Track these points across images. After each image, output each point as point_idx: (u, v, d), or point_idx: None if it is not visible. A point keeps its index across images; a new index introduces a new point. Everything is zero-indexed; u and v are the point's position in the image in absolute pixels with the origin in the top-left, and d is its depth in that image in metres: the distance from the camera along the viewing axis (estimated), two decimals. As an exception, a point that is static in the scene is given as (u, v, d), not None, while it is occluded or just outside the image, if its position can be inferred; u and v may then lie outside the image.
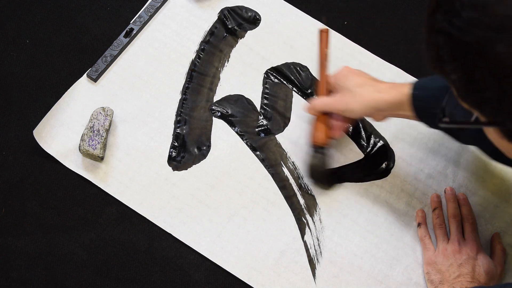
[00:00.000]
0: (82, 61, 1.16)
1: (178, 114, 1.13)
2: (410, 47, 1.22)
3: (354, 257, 1.06)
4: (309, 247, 1.06)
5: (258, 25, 1.21)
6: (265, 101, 1.15)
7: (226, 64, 1.17)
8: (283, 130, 1.13)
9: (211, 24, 1.20)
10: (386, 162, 1.12)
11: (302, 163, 1.11)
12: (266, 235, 1.06)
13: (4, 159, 1.08)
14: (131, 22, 1.18)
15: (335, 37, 1.21)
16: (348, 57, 1.19)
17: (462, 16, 0.60)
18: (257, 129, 1.13)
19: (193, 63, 1.17)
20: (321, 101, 1.06)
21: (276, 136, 1.13)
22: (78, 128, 1.10)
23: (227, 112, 1.14)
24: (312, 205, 1.08)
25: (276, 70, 1.17)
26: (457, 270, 1.00)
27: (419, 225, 1.07)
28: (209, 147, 1.11)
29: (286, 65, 1.18)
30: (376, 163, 1.12)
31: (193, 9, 1.21)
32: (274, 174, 1.10)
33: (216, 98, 1.15)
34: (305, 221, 1.07)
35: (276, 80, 1.17)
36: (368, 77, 1.02)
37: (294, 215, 1.08)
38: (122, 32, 1.17)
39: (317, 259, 1.05)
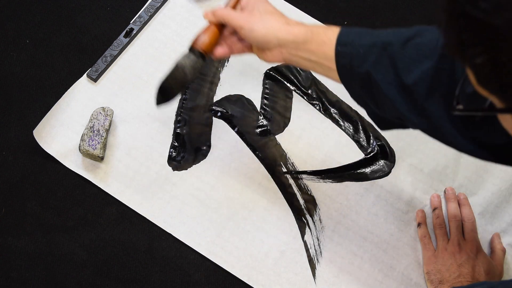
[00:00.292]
0: (82, 61, 1.16)
1: (178, 114, 1.13)
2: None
3: (354, 257, 1.06)
4: (309, 247, 1.06)
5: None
6: (265, 101, 1.15)
7: (226, 64, 1.17)
8: (283, 130, 1.13)
9: (211, 24, 1.20)
10: (386, 162, 1.12)
11: (302, 163, 1.11)
12: (266, 235, 1.06)
13: (4, 159, 1.08)
14: (131, 22, 1.18)
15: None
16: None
17: None
18: (257, 129, 1.13)
19: (193, 63, 1.17)
20: (225, 10, 0.92)
21: (276, 136, 1.13)
22: (78, 128, 1.10)
23: (227, 112, 1.14)
24: (312, 205, 1.09)
25: (276, 70, 1.17)
26: (457, 270, 1.00)
27: (419, 225, 1.08)
28: (209, 147, 1.11)
29: (286, 65, 1.18)
30: (376, 163, 1.12)
31: (193, 9, 1.21)
32: (274, 174, 1.10)
33: (216, 98, 1.15)
34: (305, 221, 1.07)
35: (276, 80, 1.17)
36: (283, 14, 0.91)
37: (294, 215, 1.08)
38: (122, 32, 1.17)
39: (317, 259, 1.05)
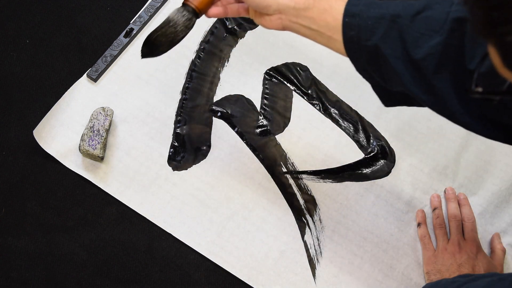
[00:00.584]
0: (82, 61, 1.16)
1: (178, 114, 1.13)
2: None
3: (354, 257, 1.06)
4: (309, 247, 1.06)
5: (258, 25, 1.21)
6: (265, 101, 1.15)
7: (226, 64, 1.17)
8: (283, 130, 1.13)
9: (211, 24, 1.20)
10: (386, 162, 1.12)
11: (302, 163, 1.11)
12: (266, 235, 1.06)
13: (4, 159, 1.08)
14: (131, 22, 1.18)
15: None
16: (348, 57, 1.19)
17: None
18: (257, 129, 1.13)
19: (193, 63, 1.17)
20: None
21: (276, 136, 1.13)
22: (78, 128, 1.10)
23: (227, 112, 1.14)
24: (312, 205, 1.08)
25: (276, 70, 1.18)
26: (457, 270, 1.00)
27: (419, 225, 1.08)
28: (209, 147, 1.11)
29: (286, 65, 1.18)
30: (376, 163, 1.12)
31: (193, 9, 1.21)
32: (274, 174, 1.10)
33: (216, 98, 1.15)
34: (305, 221, 1.07)
35: (276, 80, 1.17)
36: None
37: (294, 215, 1.08)
38: (122, 32, 1.17)
39: (317, 259, 1.05)
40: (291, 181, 1.10)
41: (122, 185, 1.07)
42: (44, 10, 1.20)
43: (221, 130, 1.13)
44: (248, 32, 1.20)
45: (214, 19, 1.19)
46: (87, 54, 1.16)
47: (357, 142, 1.14)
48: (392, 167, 1.12)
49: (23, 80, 1.14)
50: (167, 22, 0.88)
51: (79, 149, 1.06)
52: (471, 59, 0.74)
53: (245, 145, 1.12)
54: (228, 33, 1.19)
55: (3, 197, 1.06)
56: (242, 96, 1.15)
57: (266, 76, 1.17)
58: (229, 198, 1.08)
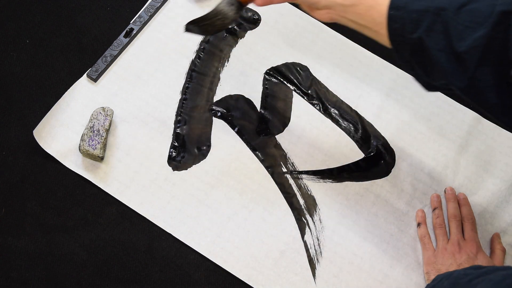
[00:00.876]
0: (82, 61, 1.16)
1: (178, 114, 1.13)
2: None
3: (354, 257, 1.06)
4: (309, 247, 1.06)
5: (258, 25, 1.21)
6: (265, 101, 1.15)
7: (226, 64, 1.17)
8: (283, 130, 1.13)
9: (211, 24, 1.20)
10: (386, 162, 1.12)
11: (302, 163, 1.11)
12: (266, 235, 1.06)
13: (4, 159, 1.08)
14: (131, 22, 1.18)
15: (335, 37, 1.21)
16: (348, 57, 1.19)
17: None
18: (257, 129, 1.13)
19: (193, 63, 1.17)
20: None
21: (276, 136, 1.13)
22: (78, 128, 1.10)
23: (227, 112, 1.14)
24: (312, 205, 1.08)
25: (276, 70, 1.18)
26: (456, 270, 1.00)
27: (419, 225, 1.08)
28: (209, 147, 1.11)
29: (286, 65, 1.18)
30: (376, 163, 1.12)
31: (193, 9, 1.21)
32: (274, 174, 1.10)
33: (216, 98, 1.15)
34: (305, 221, 1.07)
35: (276, 80, 1.17)
36: None
37: (294, 215, 1.08)
38: (122, 32, 1.17)
39: (317, 259, 1.05)
40: (291, 181, 1.10)
41: (122, 185, 1.07)
42: (44, 10, 1.20)
43: (221, 130, 1.13)
44: (248, 32, 1.20)
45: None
46: (87, 54, 1.16)
47: (357, 142, 1.14)
48: (392, 167, 1.12)
49: (23, 80, 1.14)
50: (215, 14, 0.91)
51: (79, 149, 1.06)
52: None
53: (245, 145, 1.12)
54: (228, 33, 1.19)
55: (3, 197, 1.06)
56: (242, 96, 1.15)
57: (266, 76, 1.17)
58: (229, 198, 1.08)
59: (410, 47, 0.83)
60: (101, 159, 1.07)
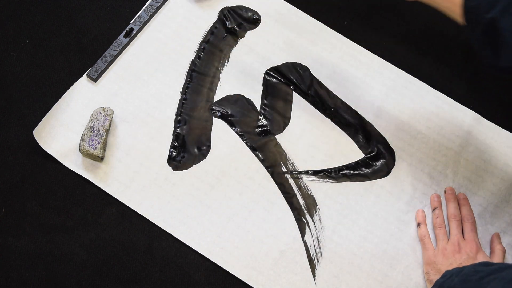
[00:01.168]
0: (82, 61, 1.16)
1: (178, 114, 1.13)
2: (410, 47, 1.22)
3: (354, 257, 1.06)
4: (309, 247, 1.06)
5: (258, 25, 1.21)
6: (265, 101, 1.15)
7: (226, 64, 1.17)
8: (283, 130, 1.13)
9: (211, 24, 1.20)
10: (386, 162, 1.12)
11: (302, 163, 1.11)
12: (266, 235, 1.06)
13: (4, 159, 1.08)
14: (131, 22, 1.18)
15: (335, 37, 1.21)
16: (348, 57, 1.19)
17: None
18: (257, 129, 1.13)
19: (193, 63, 1.17)
20: None
21: (276, 136, 1.13)
22: (78, 128, 1.10)
23: (227, 112, 1.14)
24: (312, 205, 1.08)
25: (276, 70, 1.18)
26: (456, 270, 1.00)
27: (419, 225, 1.08)
28: (209, 147, 1.11)
29: (286, 65, 1.18)
30: (376, 163, 1.12)
31: (193, 9, 1.21)
32: (274, 174, 1.10)
33: (216, 98, 1.15)
34: (305, 221, 1.07)
35: (276, 80, 1.17)
36: None
37: (294, 215, 1.08)
38: (122, 32, 1.17)
39: (317, 259, 1.05)
40: (291, 181, 1.10)
41: (122, 185, 1.07)
42: (44, 10, 1.19)
43: (221, 130, 1.13)
44: (248, 32, 1.20)
45: (214, 19, 1.20)
46: (87, 54, 1.16)
47: (357, 142, 1.14)
48: (392, 167, 1.12)
49: (23, 80, 1.14)
50: None
51: (79, 149, 1.06)
52: None
53: (245, 145, 1.12)
54: (228, 33, 1.19)
55: (3, 197, 1.06)
56: (242, 96, 1.15)
57: (266, 76, 1.17)
58: (229, 198, 1.08)
59: (483, 26, 0.85)
60: (101, 159, 1.07)
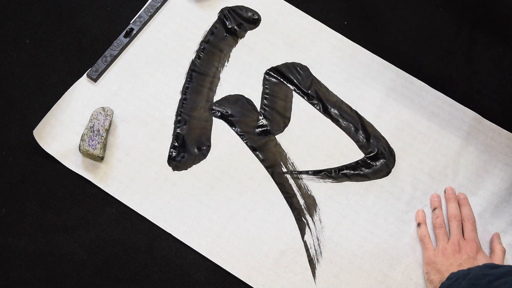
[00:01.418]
0: (82, 61, 1.16)
1: (178, 114, 1.13)
2: (410, 47, 1.22)
3: (354, 257, 1.06)
4: (309, 247, 1.06)
5: (258, 25, 1.21)
6: (265, 101, 1.15)
7: (226, 64, 1.17)
8: (283, 130, 1.13)
9: (211, 24, 1.20)
10: (386, 162, 1.12)
11: (302, 163, 1.11)
12: (266, 235, 1.06)
13: (4, 159, 1.08)
14: (131, 22, 1.18)
15: (335, 37, 1.21)
16: (348, 57, 1.19)
17: None
18: (257, 129, 1.13)
19: (193, 63, 1.17)
20: None
21: (276, 136, 1.13)
22: (78, 128, 1.10)
23: (227, 112, 1.14)
24: (312, 205, 1.09)
25: (276, 70, 1.18)
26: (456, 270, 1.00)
27: (419, 225, 1.08)
28: (209, 147, 1.11)
29: (286, 65, 1.18)
30: (376, 163, 1.12)
31: (193, 9, 1.21)
32: (274, 174, 1.10)
33: (216, 98, 1.15)
34: (305, 221, 1.07)
35: (276, 80, 1.17)
36: None
37: (294, 215, 1.08)
38: (122, 32, 1.17)
39: (317, 259, 1.05)
40: (291, 181, 1.10)
41: (122, 185, 1.07)
42: (44, 10, 1.19)
43: (221, 130, 1.13)
44: (248, 32, 1.20)
45: (214, 19, 1.20)
46: (87, 54, 1.16)
47: (357, 142, 1.14)
48: (392, 167, 1.12)
49: (23, 80, 1.14)
50: None
51: (79, 149, 1.06)
52: None
53: (245, 145, 1.12)
54: (228, 33, 1.19)
55: (3, 197, 1.06)
56: (242, 96, 1.15)
57: (266, 76, 1.17)
58: (229, 198, 1.08)
59: None
60: (101, 159, 1.07)
